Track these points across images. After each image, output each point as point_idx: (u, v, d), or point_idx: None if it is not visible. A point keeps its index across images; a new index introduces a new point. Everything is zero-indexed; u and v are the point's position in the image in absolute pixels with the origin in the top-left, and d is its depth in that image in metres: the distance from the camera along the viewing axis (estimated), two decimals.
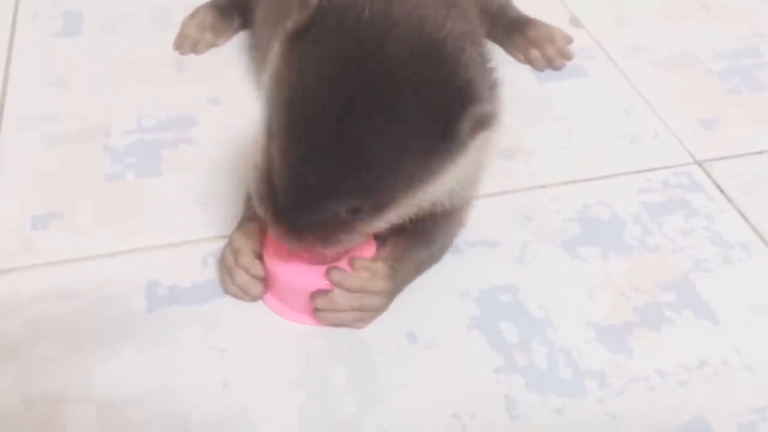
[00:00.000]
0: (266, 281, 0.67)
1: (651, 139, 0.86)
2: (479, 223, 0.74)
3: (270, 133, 0.58)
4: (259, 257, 0.66)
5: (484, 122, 0.56)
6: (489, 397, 0.61)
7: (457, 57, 0.56)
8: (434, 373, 0.63)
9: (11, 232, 0.73)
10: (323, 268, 0.64)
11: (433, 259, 0.70)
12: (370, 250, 0.67)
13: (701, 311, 0.68)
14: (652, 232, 0.75)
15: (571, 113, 0.89)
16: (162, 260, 0.71)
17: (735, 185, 0.81)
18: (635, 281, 0.71)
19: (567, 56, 0.95)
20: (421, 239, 0.68)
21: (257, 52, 0.92)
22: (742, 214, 0.78)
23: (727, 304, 0.69)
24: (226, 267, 0.67)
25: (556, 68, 0.94)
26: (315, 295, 0.64)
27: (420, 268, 0.69)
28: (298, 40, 0.57)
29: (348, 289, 0.64)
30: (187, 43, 0.94)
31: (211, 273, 0.69)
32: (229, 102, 0.88)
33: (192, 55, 0.94)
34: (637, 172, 0.82)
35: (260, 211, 0.60)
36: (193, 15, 0.96)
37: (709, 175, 0.82)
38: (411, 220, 0.62)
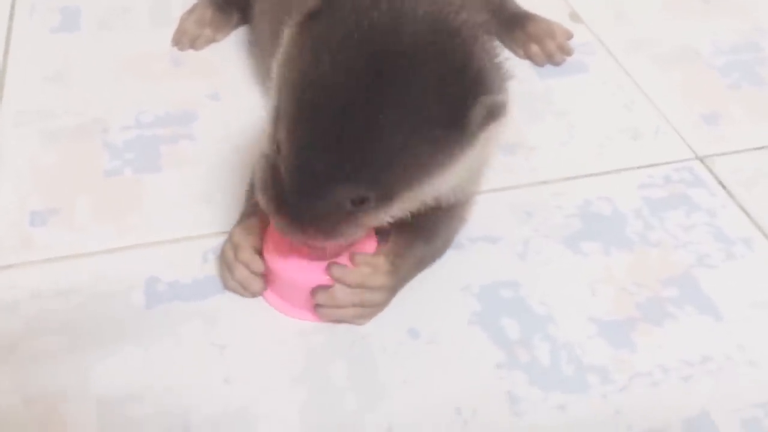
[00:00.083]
0: (266, 277, 0.66)
1: (652, 135, 0.86)
2: (480, 218, 0.73)
3: (277, 119, 0.57)
4: (259, 253, 0.66)
5: (494, 113, 0.55)
6: (491, 392, 0.61)
7: (471, 46, 0.55)
8: (436, 368, 0.63)
9: (9, 227, 0.72)
10: (324, 263, 0.63)
11: (435, 255, 0.70)
12: (371, 245, 0.66)
13: (703, 306, 0.68)
14: (654, 227, 0.75)
15: (572, 109, 0.89)
16: (161, 256, 0.70)
17: (736, 180, 0.80)
18: (637, 276, 0.70)
19: (567, 51, 0.95)
20: (422, 235, 0.67)
21: (257, 47, 0.91)
22: (743, 210, 0.77)
23: (730, 299, 0.69)
24: (225, 262, 0.67)
25: (556, 63, 0.94)
26: (315, 290, 0.63)
27: (421, 264, 0.69)
28: (309, 24, 0.56)
29: (349, 285, 0.63)
30: (185, 39, 0.93)
31: (212, 269, 0.69)
32: (228, 97, 0.87)
33: (190, 51, 0.93)
34: (638, 167, 0.82)
35: (262, 200, 0.58)
36: (192, 10, 0.96)
37: (710, 171, 0.82)
38: (413, 215, 0.62)
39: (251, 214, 0.67)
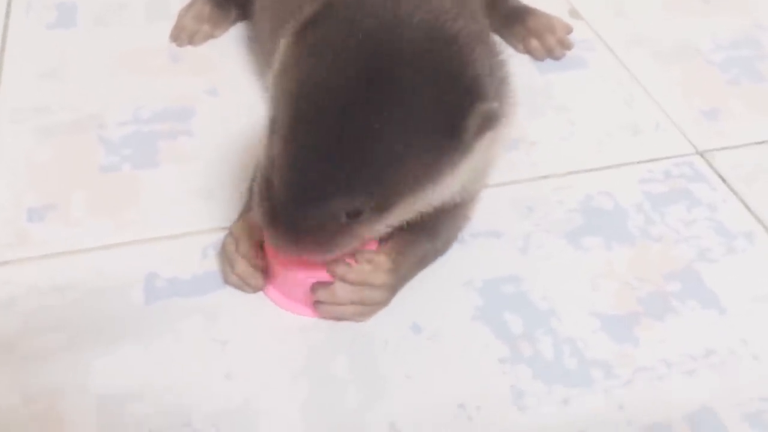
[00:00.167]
0: (267, 272, 0.65)
1: (652, 130, 0.86)
2: (482, 213, 0.73)
3: (273, 130, 0.56)
4: (261, 247, 0.65)
5: (490, 120, 0.54)
6: (495, 387, 0.61)
7: (467, 52, 0.55)
8: (439, 364, 0.62)
9: (6, 224, 0.71)
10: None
11: (438, 253, 0.69)
12: (372, 242, 0.66)
13: (706, 301, 0.68)
14: (655, 222, 0.75)
15: (572, 104, 0.88)
16: (160, 252, 0.69)
17: (737, 175, 0.80)
18: (639, 271, 0.70)
19: (567, 46, 0.94)
20: (425, 233, 0.66)
21: (257, 43, 0.91)
22: (744, 204, 0.77)
23: (732, 293, 0.68)
24: (226, 256, 0.66)
25: (556, 58, 0.94)
26: (315, 287, 0.63)
27: (424, 261, 0.68)
28: (305, 34, 0.56)
29: (349, 282, 0.62)
30: (184, 35, 0.93)
31: (211, 265, 0.68)
32: (227, 93, 0.86)
33: (188, 47, 0.93)
34: (638, 162, 0.81)
35: (257, 214, 0.58)
36: (190, 6, 0.95)
37: (710, 165, 0.81)
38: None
39: (252, 208, 0.67)
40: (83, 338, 0.63)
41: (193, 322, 0.64)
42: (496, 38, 0.66)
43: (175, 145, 0.80)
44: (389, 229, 0.59)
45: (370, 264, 0.63)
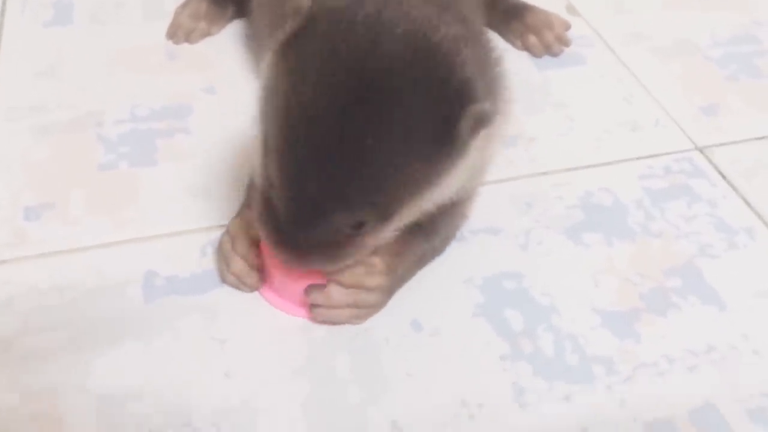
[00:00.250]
0: (263, 271, 0.65)
1: (651, 126, 0.85)
2: (481, 210, 0.73)
3: (266, 149, 0.56)
4: (258, 246, 0.65)
5: (483, 121, 0.54)
6: (496, 384, 0.60)
7: (452, 57, 0.54)
8: (440, 361, 0.62)
9: (3, 223, 0.71)
10: None
11: (436, 252, 0.69)
12: None
13: (707, 296, 0.68)
14: (655, 217, 0.75)
15: (571, 100, 0.88)
16: (159, 250, 0.69)
17: (736, 171, 0.80)
18: (640, 267, 0.70)
19: (565, 42, 0.94)
20: (422, 233, 0.66)
21: (254, 40, 0.90)
22: (744, 200, 0.77)
23: (733, 289, 0.68)
24: (223, 254, 0.66)
25: (554, 55, 0.93)
26: (310, 289, 0.62)
27: (421, 261, 0.68)
28: (289, 48, 0.55)
29: (343, 285, 0.62)
30: (180, 33, 0.92)
31: (210, 263, 0.68)
32: (224, 91, 0.86)
33: (185, 45, 0.92)
34: (638, 158, 0.81)
35: (261, 233, 0.58)
36: (186, 4, 0.95)
37: (710, 161, 0.81)
38: None
39: (250, 206, 0.66)
40: (82, 337, 0.62)
41: (192, 320, 0.64)
42: (492, 35, 0.65)
43: (173, 143, 0.80)
44: (395, 234, 0.59)
45: (365, 266, 0.62)
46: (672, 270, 0.70)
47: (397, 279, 0.65)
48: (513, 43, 0.94)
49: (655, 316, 0.66)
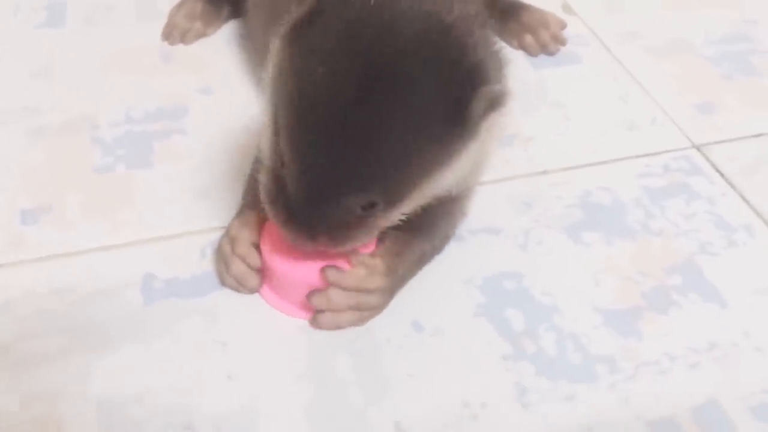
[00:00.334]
0: (263, 273, 0.65)
1: (648, 125, 0.86)
2: (480, 210, 0.72)
3: (277, 131, 0.56)
4: (257, 247, 0.64)
5: (495, 102, 0.54)
6: (499, 385, 0.60)
7: (465, 39, 0.55)
8: (442, 361, 0.62)
9: None
10: (321, 260, 0.62)
11: (435, 250, 0.69)
12: (370, 244, 0.65)
13: (708, 294, 0.68)
14: (655, 216, 0.75)
15: (568, 100, 0.88)
16: (158, 253, 0.69)
17: (734, 168, 0.80)
18: (640, 265, 0.70)
19: (561, 41, 0.94)
20: (422, 232, 0.66)
21: (250, 40, 0.90)
22: (742, 197, 0.77)
23: (733, 286, 0.68)
24: (222, 256, 0.65)
25: (550, 53, 0.93)
26: (311, 294, 0.62)
27: (422, 261, 0.68)
28: (299, 32, 0.55)
29: (344, 288, 0.62)
30: (176, 33, 0.92)
31: (209, 265, 0.67)
32: (220, 92, 0.86)
33: (180, 45, 0.92)
34: (636, 157, 0.81)
35: (270, 212, 0.58)
36: (181, 4, 0.94)
37: (708, 159, 0.81)
38: (415, 212, 0.61)
39: (249, 207, 0.66)
40: (81, 341, 0.61)
41: (192, 323, 0.63)
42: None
43: (169, 144, 0.79)
44: (403, 217, 0.59)
45: (365, 268, 0.62)
46: (672, 268, 0.70)
47: (397, 279, 0.65)
48: (509, 43, 0.94)
49: (656, 314, 0.66)
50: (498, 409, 0.59)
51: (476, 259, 0.70)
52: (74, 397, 0.58)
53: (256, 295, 0.65)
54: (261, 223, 0.65)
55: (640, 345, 0.63)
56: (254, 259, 0.64)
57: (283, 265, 0.63)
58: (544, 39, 0.93)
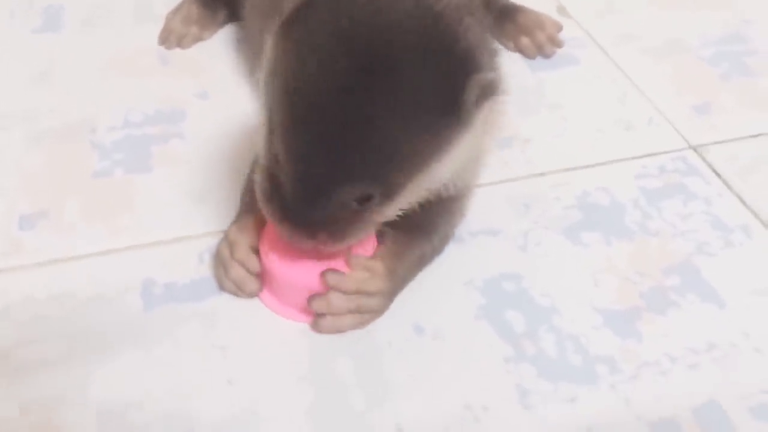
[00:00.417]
0: (262, 277, 0.65)
1: (645, 126, 0.86)
2: (479, 212, 0.73)
3: (271, 128, 0.56)
4: (256, 252, 0.64)
5: (488, 90, 0.54)
6: (500, 387, 0.60)
7: (455, 26, 0.54)
8: (443, 364, 0.62)
9: None
10: (321, 264, 0.62)
11: (435, 252, 0.69)
12: (370, 247, 0.65)
13: (706, 294, 0.68)
14: (652, 216, 0.75)
15: (565, 101, 0.88)
16: (156, 258, 0.68)
17: (730, 169, 0.81)
18: (639, 266, 0.70)
19: (557, 43, 0.94)
20: (421, 233, 0.66)
21: (246, 44, 0.90)
22: (739, 198, 0.77)
23: (732, 286, 0.69)
24: (221, 261, 0.65)
25: (547, 55, 0.94)
26: (312, 298, 0.62)
27: (422, 262, 0.67)
28: (292, 24, 0.55)
29: (345, 292, 0.62)
30: (172, 38, 0.92)
31: (208, 270, 0.67)
32: (218, 96, 0.86)
33: (177, 50, 0.92)
34: (633, 158, 0.82)
35: (266, 210, 0.58)
36: (178, 9, 0.94)
37: (704, 160, 0.82)
38: (414, 211, 0.61)
39: (248, 212, 0.66)
40: (81, 347, 0.61)
41: (192, 327, 0.63)
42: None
43: (168, 148, 0.79)
44: (400, 212, 0.59)
45: (365, 271, 0.62)
46: (670, 268, 0.70)
47: (398, 282, 0.65)
48: (506, 45, 0.94)
49: (655, 314, 0.66)
50: (500, 412, 0.59)
51: (476, 261, 0.70)
52: (74, 403, 0.58)
53: (256, 299, 0.65)
54: (260, 227, 0.65)
55: (640, 346, 0.63)
56: (253, 264, 0.64)
57: (282, 270, 0.63)
58: (541, 40, 0.93)
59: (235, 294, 0.65)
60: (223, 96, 0.86)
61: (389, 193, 0.56)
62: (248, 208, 0.66)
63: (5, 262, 0.67)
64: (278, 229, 0.58)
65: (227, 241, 0.65)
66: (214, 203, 0.73)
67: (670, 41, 0.98)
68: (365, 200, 0.55)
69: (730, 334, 0.65)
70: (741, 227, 0.74)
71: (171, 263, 0.68)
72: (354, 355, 0.62)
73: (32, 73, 0.87)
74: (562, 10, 1.02)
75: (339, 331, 0.63)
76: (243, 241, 0.64)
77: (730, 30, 1.00)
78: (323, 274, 0.61)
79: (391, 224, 0.61)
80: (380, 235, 0.65)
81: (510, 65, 0.90)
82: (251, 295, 0.65)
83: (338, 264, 0.62)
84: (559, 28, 0.96)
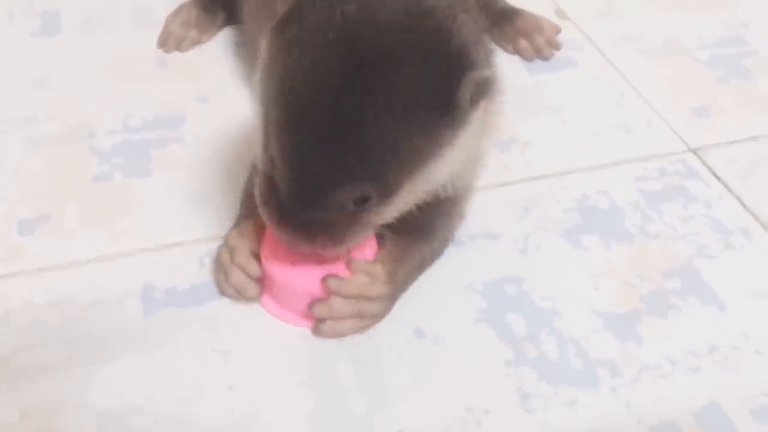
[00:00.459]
0: (263, 282, 0.64)
1: (644, 128, 0.86)
2: (479, 215, 0.73)
3: (267, 131, 0.55)
4: (256, 256, 0.64)
5: (483, 88, 0.54)
6: (501, 390, 0.60)
7: (449, 24, 0.54)
8: (444, 368, 0.62)
9: None
10: (321, 268, 0.62)
11: (435, 255, 0.69)
12: (371, 250, 0.64)
13: (707, 297, 0.68)
14: (652, 219, 0.75)
15: (564, 104, 0.88)
16: (156, 262, 0.68)
17: (730, 171, 0.81)
18: (639, 269, 0.70)
19: (555, 46, 0.94)
20: (421, 236, 0.66)
21: (245, 47, 0.90)
22: (739, 200, 0.77)
23: (732, 289, 0.69)
24: (221, 266, 0.65)
25: (545, 58, 0.94)
26: (313, 303, 0.62)
27: (422, 265, 0.67)
28: (285, 25, 0.55)
29: (346, 296, 0.61)
30: (171, 41, 0.92)
31: (208, 274, 0.67)
32: (217, 99, 0.86)
33: (176, 53, 0.92)
34: (632, 161, 0.82)
35: (264, 214, 0.57)
36: (177, 12, 0.94)
37: (704, 162, 0.82)
38: (411, 215, 0.60)
39: (248, 216, 0.66)
40: (81, 352, 0.61)
41: (193, 332, 0.63)
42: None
43: (167, 152, 0.79)
44: (397, 214, 0.59)
45: (366, 275, 0.62)
46: (670, 271, 0.70)
47: (398, 285, 0.65)
48: (504, 48, 0.94)
49: (655, 317, 0.66)
50: (501, 415, 0.59)
51: (476, 265, 0.70)
52: (74, 408, 0.58)
53: (256, 303, 0.65)
54: (260, 231, 0.65)
55: (640, 349, 0.63)
56: (253, 269, 0.64)
57: (283, 275, 0.62)
58: (539, 43, 0.93)
59: (236, 299, 0.65)
60: (222, 99, 0.86)
61: (387, 193, 0.55)
62: (248, 212, 0.66)
63: (5, 268, 0.67)
64: (276, 232, 0.57)
65: (227, 245, 0.65)
66: (214, 207, 0.73)
67: (668, 44, 0.98)
68: (363, 201, 0.55)
69: (731, 337, 0.65)
70: (741, 230, 0.74)
71: (171, 268, 0.68)
72: (354, 360, 0.62)
73: (31, 77, 0.87)
74: (560, 12, 1.03)
75: (340, 335, 0.63)
76: (243, 246, 0.64)
77: (728, 32, 1.01)
78: (324, 279, 0.61)
79: (390, 228, 0.61)
80: (380, 239, 0.65)
81: (508, 68, 0.91)
82: (252, 299, 0.65)
83: (338, 268, 0.62)
84: (558, 30, 0.96)
